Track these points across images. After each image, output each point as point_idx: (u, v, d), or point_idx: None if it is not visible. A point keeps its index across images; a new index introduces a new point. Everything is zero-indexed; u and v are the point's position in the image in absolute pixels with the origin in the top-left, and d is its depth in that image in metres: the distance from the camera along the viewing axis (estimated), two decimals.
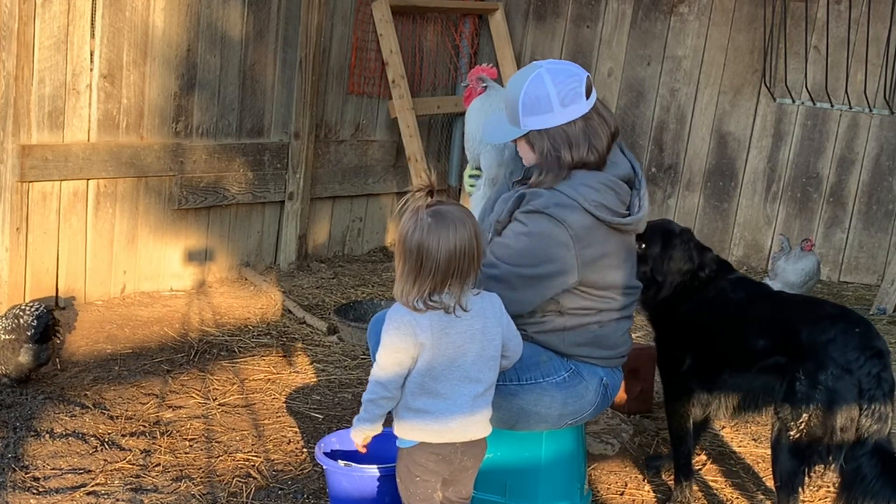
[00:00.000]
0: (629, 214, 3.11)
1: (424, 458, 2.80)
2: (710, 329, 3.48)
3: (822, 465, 3.18)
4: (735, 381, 3.40)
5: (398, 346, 2.73)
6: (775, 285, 5.74)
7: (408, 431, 2.81)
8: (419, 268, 2.68)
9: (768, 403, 3.33)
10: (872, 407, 3.08)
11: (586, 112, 3.05)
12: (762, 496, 3.75)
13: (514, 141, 3.17)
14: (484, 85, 3.89)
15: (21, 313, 4.18)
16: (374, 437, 3.47)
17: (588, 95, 3.05)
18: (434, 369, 2.73)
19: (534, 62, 3.14)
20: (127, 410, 4.05)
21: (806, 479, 3.20)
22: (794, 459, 3.19)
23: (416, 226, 2.68)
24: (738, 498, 3.72)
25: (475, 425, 2.81)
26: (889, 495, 3.09)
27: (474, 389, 2.78)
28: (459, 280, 2.71)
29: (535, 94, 3.03)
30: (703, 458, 4.02)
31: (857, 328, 3.19)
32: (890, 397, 3.12)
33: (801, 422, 3.15)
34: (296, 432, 3.99)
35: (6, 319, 4.19)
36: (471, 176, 3.87)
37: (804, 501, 3.42)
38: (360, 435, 2.90)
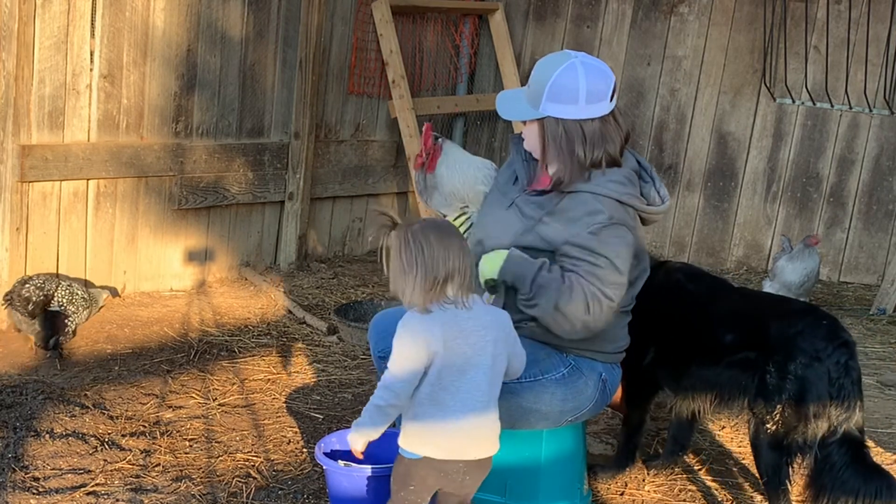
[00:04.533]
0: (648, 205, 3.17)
1: (425, 472, 2.78)
2: (673, 321, 3.49)
3: (802, 456, 3.22)
4: (703, 374, 3.43)
5: (412, 355, 2.70)
6: (773, 286, 5.74)
7: (414, 444, 2.78)
8: (426, 273, 2.67)
9: (739, 398, 3.36)
10: (841, 395, 3.14)
11: (606, 114, 3.07)
12: (761, 497, 3.74)
13: (525, 123, 3.18)
14: (440, 141, 3.89)
15: (22, 285, 4.52)
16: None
17: (611, 98, 3.08)
18: (443, 379, 2.72)
19: (566, 51, 3.13)
20: (127, 410, 4.05)
21: (790, 470, 3.25)
22: (776, 452, 3.24)
23: (411, 232, 2.70)
24: (737, 498, 3.72)
25: (483, 442, 2.80)
26: (858, 484, 3.14)
27: (483, 404, 2.76)
28: (462, 282, 2.71)
29: (564, 83, 3.03)
30: (703, 458, 4.02)
31: (825, 321, 3.27)
32: (857, 386, 3.19)
33: (776, 413, 3.20)
34: (296, 432, 3.99)
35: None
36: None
37: (795, 500, 3.42)
38: (361, 440, 2.85)
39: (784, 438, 3.21)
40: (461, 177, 3.86)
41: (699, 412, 3.57)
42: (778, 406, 3.20)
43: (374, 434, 2.83)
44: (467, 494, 2.88)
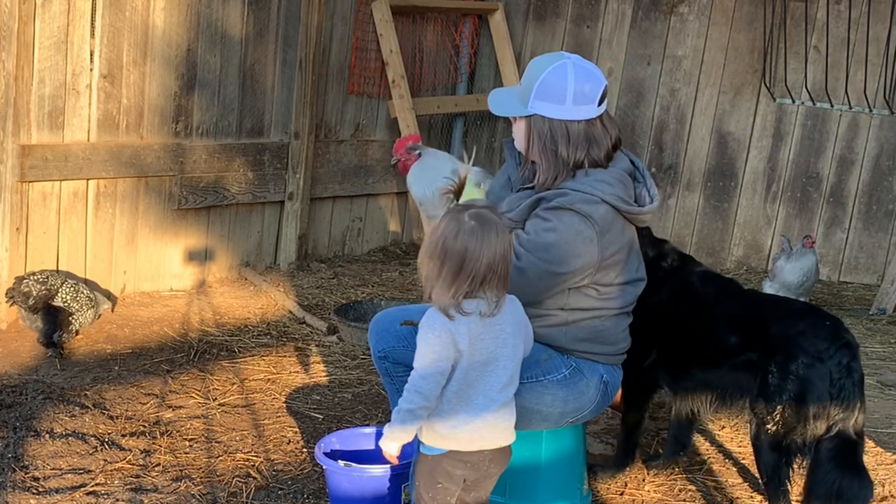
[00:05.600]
0: (639, 206, 3.15)
1: (452, 465, 2.77)
2: (680, 323, 3.49)
3: (802, 456, 3.23)
4: (705, 376, 3.44)
5: (440, 354, 2.66)
6: (773, 287, 5.75)
7: (437, 440, 2.76)
8: (458, 271, 2.63)
9: (741, 399, 3.37)
10: (842, 395, 3.14)
11: (592, 117, 3.08)
12: (761, 497, 3.74)
13: (514, 120, 3.19)
14: (417, 152, 3.95)
15: (21, 280, 4.56)
16: (377, 437, 3.48)
17: (600, 103, 3.09)
18: (469, 376, 2.70)
19: (561, 52, 3.16)
20: (127, 410, 4.05)
21: (790, 471, 3.26)
22: (775, 453, 3.25)
23: (461, 229, 2.63)
24: (738, 498, 3.72)
25: (504, 431, 2.80)
26: (837, 475, 3.14)
27: (505, 395, 2.77)
28: (497, 285, 2.68)
29: (552, 82, 3.05)
30: (703, 458, 4.02)
31: (827, 321, 3.27)
32: (859, 387, 3.18)
33: (777, 414, 3.21)
34: (296, 432, 3.99)
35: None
36: None
37: (796, 500, 3.43)
38: (395, 445, 2.80)
39: (784, 439, 3.22)
40: (423, 184, 3.95)
41: (699, 412, 3.57)
42: (779, 407, 3.20)
43: (407, 437, 2.78)
44: (487, 491, 2.88)
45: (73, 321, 4.59)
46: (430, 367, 2.67)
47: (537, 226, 3.03)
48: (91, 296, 4.70)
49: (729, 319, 3.41)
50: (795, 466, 3.26)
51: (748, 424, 3.38)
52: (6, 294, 4.59)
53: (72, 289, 4.61)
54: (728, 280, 3.69)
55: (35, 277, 4.57)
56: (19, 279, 4.58)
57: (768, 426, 3.24)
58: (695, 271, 3.61)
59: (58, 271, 4.91)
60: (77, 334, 4.68)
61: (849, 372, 3.15)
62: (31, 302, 4.51)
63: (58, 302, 4.56)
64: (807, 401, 3.15)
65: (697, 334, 3.46)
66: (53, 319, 4.54)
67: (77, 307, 4.60)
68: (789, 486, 3.27)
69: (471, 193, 3.74)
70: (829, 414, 3.15)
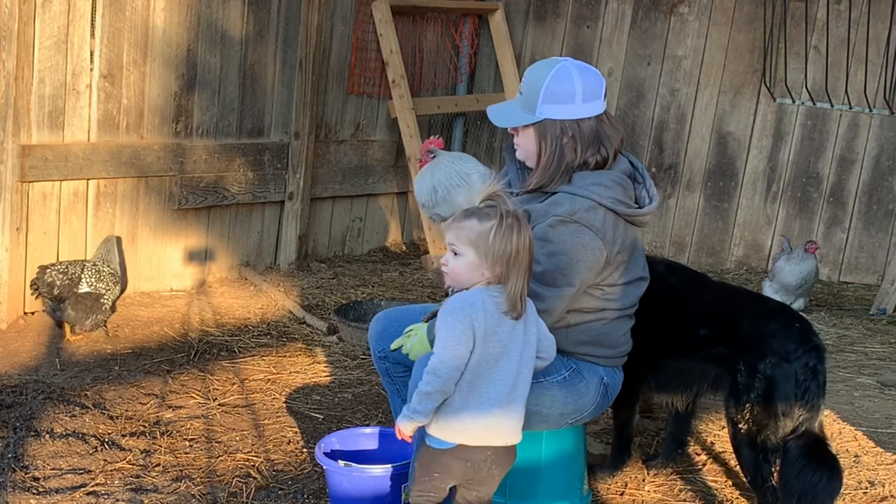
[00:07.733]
0: (639, 207, 3.15)
1: (452, 461, 2.79)
2: (653, 314, 3.50)
3: (777, 453, 3.28)
4: (677, 367, 3.49)
5: (459, 339, 2.68)
6: (772, 287, 5.76)
7: (447, 433, 2.77)
8: (508, 265, 2.69)
9: (713, 393, 3.44)
10: (806, 397, 3.21)
11: (601, 113, 3.10)
12: None
13: (517, 131, 3.17)
14: (433, 155, 4.01)
15: (44, 271, 4.66)
16: (377, 437, 3.48)
17: (604, 99, 3.12)
18: (480, 367, 2.72)
19: (555, 57, 3.19)
20: (127, 410, 4.05)
21: (770, 467, 3.30)
22: (752, 451, 3.31)
23: (504, 226, 2.69)
24: (738, 498, 3.72)
25: (510, 430, 2.81)
26: (810, 473, 3.19)
27: (514, 394, 2.77)
28: (524, 277, 2.73)
29: (559, 84, 3.06)
30: (703, 458, 4.02)
31: (797, 323, 3.33)
32: (823, 389, 3.26)
33: (746, 412, 3.28)
34: (296, 432, 3.99)
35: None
36: None
37: None
38: (411, 427, 2.79)
39: (757, 437, 3.28)
40: (423, 185, 3.97)
41: (679, 406, 3.61)
42: (748, 405, 3.27)
43: (425, 421, 2.78)
44: (489, 491, 2.89)
45: (105, 301, 4.71)
46: (449, 350, 2.69)
47: (542, 252, 3.00)
48: (113, 271, 4.79)
49: (702, 312, 3.46)
50: (775, 463, 3.31)
51: (726, 425, 3.44)
52: (31, 285, 4.67)
53: (94, 271, 4.70)
54: (697, 272, 3.74)
55: (56, 268, 4.66)
56: (42, 269, 4.66)
57: (740, 425, 3.31)
58: (657, 260, 3.64)
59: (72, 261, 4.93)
60: (113, 311, 4.83)
61: (814, 374, 3.23)
62: (55, 292, 4.61)
63: (84, 288, 4.63)
64: (774, 399, 3.22)
65: (671, 326, 3.48)
66: (85, 306, 4.65)
67: (105, 287, 4.71)
68: (773, 482, 3.31)
69: None
70: (795, 414, 3.22)
